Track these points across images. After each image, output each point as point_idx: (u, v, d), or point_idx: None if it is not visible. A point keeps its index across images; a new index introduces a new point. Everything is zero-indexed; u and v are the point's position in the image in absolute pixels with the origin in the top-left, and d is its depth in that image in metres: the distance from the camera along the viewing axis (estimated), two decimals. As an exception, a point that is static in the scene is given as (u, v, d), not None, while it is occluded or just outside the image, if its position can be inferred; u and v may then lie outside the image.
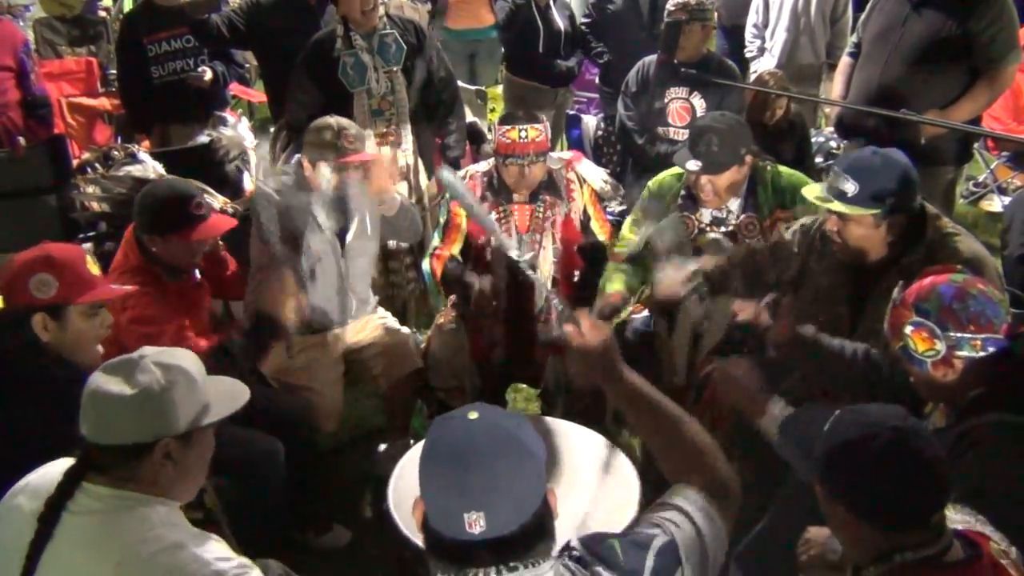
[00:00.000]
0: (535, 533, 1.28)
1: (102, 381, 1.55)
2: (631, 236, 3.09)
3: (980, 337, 1.80)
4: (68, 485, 1.54)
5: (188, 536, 1.55)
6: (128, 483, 1.55)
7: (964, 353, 1.81)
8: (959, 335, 1.80)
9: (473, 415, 1.30)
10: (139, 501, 1.54)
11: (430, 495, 1.28)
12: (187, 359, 1.63)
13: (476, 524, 1.23)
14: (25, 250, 2.09)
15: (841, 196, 2.32)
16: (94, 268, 2.11)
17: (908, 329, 1.86)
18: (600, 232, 3.24)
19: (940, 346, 1.82)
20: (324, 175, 2.90)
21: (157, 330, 2.45)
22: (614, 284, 3.03)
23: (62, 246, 2.13)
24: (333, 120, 2.94)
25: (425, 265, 3.22)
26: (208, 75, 4.48)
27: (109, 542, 1.50)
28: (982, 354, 1.81)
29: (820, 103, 5.16)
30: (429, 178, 4.03)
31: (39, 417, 1.88)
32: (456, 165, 3.99)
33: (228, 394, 1.69)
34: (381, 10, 3.77)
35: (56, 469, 1.61)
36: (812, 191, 2.44)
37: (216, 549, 1.54)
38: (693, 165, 2.81)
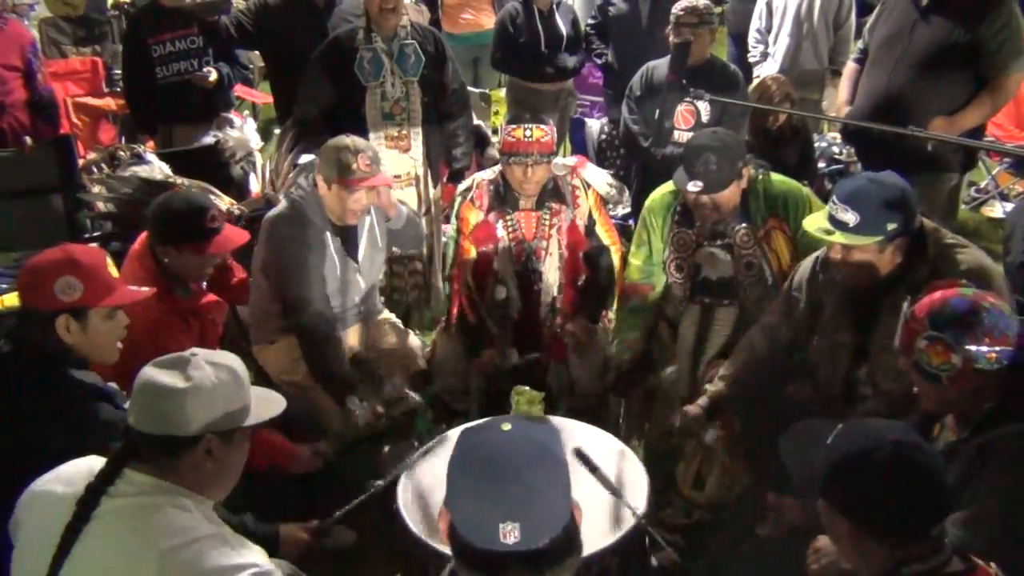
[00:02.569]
0: (565, 547, 1.28)
1: (155, 373, 1.60)
2: (638, 263, 3.13)
3: (995, 350, 1.81)
4: (111, 470, 1.58)
5: (223, 532, 1.58)
6: (168, 474, 1.59)
7: (979, 366, 1.81)
8: (975, 348, 1.81)
9: (506, 426, 1.31)
10: (177, 492, 1.58)
11: (461, 505, 1.27)
12: (235, 361, 1.68)
13: (510, 535, 1.22)
14: (42, 250, 2.10)
15: (843, 227, 2.31)
16: (113, 271, 2.12)
17: (921, 344, 1.87)
18: (606, 236, 3.25)
19: (956, 360, 1.82)
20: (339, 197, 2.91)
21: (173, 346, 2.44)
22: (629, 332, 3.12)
23: (85, 248, 2.14)
24: (350, 141, 2.93)
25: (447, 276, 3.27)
26: (213, 75, 4.47)
27: (146, 528, 1.53)
28: (996, 367, 1.81)
29: (827, 119, 5.13)
30: (435, 186, 4.05)
31: (58, 420, 1.91)
32: (461, 176, 4.03)
33: (267, 399, 1.75)
34: (404, 20, 3.79)
35: (85, 463, 1.64)
36: (813, 223, 2.44)
37: (248, 551, 1.58)
38: (693, 186, 2.80)
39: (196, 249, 2.60)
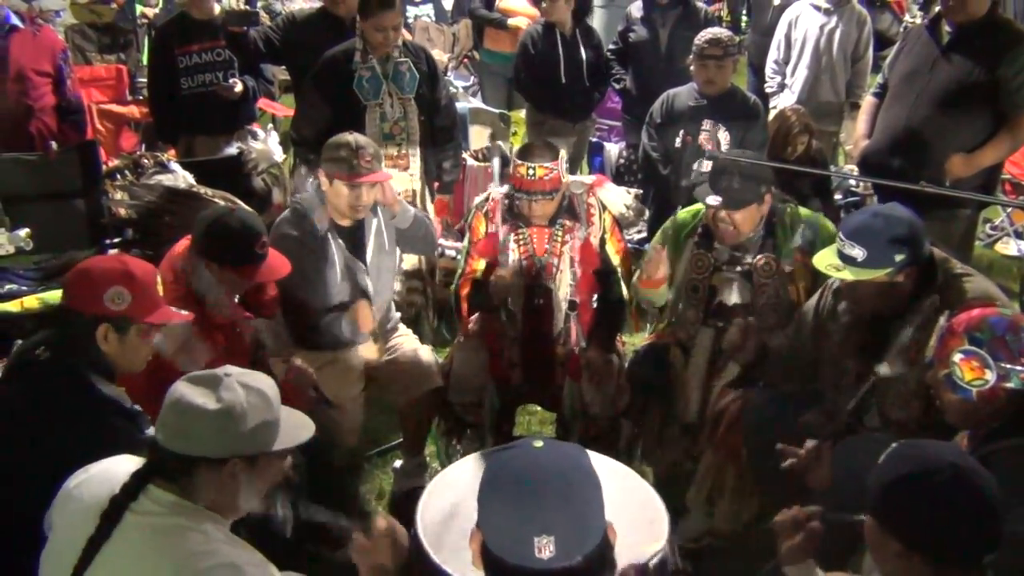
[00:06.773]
0: (599, 565, 1.26)
1: (187, 391, 1.57)
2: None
3: None
4: (134, 486, 1.57)
5: (246, 558, 1.57)
6: (191, 494, 1.58)
7: (1011, 385, 1.84)
8: (1010, 366, 1.83)
9: (538, 444, 1.31)
10: (198, 514, 1.57)
11: (495, 521, 1.27)
12: (267, 384, 1.66)
13: (545, 549, 1.21)
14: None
15: (851, 262, 2.34)
16: (160, 289, 2.12)
17: (957, 357, 1.88)
18: (614, 255, 3.24)
19: (990, 376, 1.84)
20: (341, 193, 2.93)
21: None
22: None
23: (139, 262, 2.13)
24: (351, 137, 2.96)
25: (453, 288, 3.26)
26: (239, 87, 4.53)
27: (169, 548, 1.52)
28: None
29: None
30: (432, 201, 4.13)
31: (79, 432, 1.90)
32: (450, 189, 4.16)
33: (295, 424, 1.72)
34: (398, 39, 3.85)
35: (116, 465, 1.64)
36: (823, 260, 2.46)
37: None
38: (713, 200, 2.84)
39: (240, 272, 2.61)
